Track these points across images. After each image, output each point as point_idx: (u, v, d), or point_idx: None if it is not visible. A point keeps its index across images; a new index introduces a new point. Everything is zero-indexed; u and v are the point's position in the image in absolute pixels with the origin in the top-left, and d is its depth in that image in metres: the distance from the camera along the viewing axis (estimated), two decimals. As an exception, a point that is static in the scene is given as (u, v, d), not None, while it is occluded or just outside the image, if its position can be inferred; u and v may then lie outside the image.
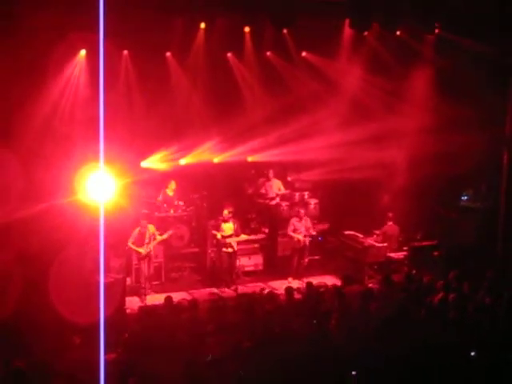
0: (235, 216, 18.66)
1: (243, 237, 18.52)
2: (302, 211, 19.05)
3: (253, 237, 18.98)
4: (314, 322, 12.93)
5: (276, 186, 20.65)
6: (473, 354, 11.36)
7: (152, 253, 17.57)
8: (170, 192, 19.51)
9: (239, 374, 10.48)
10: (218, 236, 18.18)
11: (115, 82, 17.96)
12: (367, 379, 10.55)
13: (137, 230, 17.38)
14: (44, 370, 10.74)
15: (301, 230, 18.80)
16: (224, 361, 10.93)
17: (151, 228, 17.53)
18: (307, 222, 18.96)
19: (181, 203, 19.49)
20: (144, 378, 10.33)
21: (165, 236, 17.79)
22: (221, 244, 18.22)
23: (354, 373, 10.55)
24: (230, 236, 18.23)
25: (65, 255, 14.21)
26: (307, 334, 12.17)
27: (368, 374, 10.55)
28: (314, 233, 19.19)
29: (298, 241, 18.69)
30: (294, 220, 18.93)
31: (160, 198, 19.36)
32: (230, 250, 18.24)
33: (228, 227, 18.23)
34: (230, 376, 10.56)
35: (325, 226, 19.76)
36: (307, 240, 18.83)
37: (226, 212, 18.26)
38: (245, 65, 20.06)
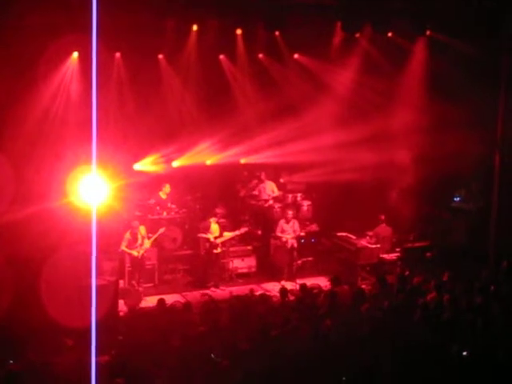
0: (226, 218, 18.72)
1: (227, 234, 18.54)
2: (290, 213, 19.10)
3: (236, 232, 18.92)
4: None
5: (270, 188, 20.67)
6: (464, 353, 11.38)
7: (145, 255, 17.57)
8: (163, 195, 19.48)
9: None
10: (211, 238, 18.21)
11: (107, 85, 17.94)
12: (361, 379, 10.56)
13: (128, 233, 17.37)
14: (37, 372, 10.72)
15: (288, 231, 18.86)
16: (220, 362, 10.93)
17: (142, 230, 17.52)
18: (295, 224, 19.00)
19: (173, 206, 19.46)
20: (136, 379, 10.32)
21: (156, 235, 17.78)
22: (213, 246, 18.25)
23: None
24: (218, 237, 18.31)
25: (57, 258, 14.19)
26: (302, 336, 12.16)
27: (362, 374, 10.56)
28: (303, 234, 19.23)
29: (286, 242, 18.73)
30: (281, 222, 19.04)
31: (152, 200, 19.33)
32: (218, 250, 18.31)
33: (216, 229, 18.32)
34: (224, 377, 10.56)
35: (313, 228, 19.72)
36: (295, 242, 18.86)
37: (218, 211, 18.48)
38: (237, 67, 20.07)
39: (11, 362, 11.35)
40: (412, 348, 11.20)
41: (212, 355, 11.02)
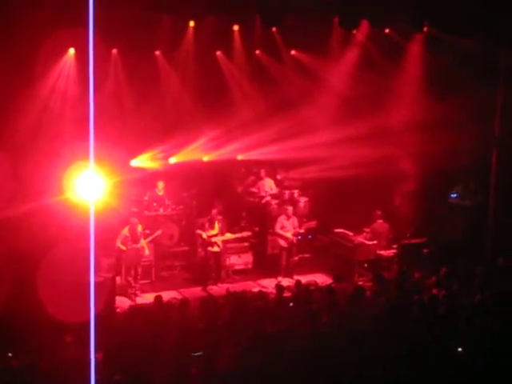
0: (222, 214, 18.68)
1: (228, 235, 18.50)
2: (290, 209, 19.04)
3: (238, 235, 18.89)
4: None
5: (268, 185, 20.68)
6: (460, 349, 11.41)
7: (139, 252, 17.45)
8: (159, 192, 19.44)
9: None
10: (204, 236, 18.15)
11: (104, 81, 17.91)
12: (359, 376, 10.56)
13: (126, 229, 17.31)
14: (36, 367, 10.72)
15: (289, 228, 18.82)
16: (214, 358, 10.92)
17: (139, 228, 17.45)
18: (295, 221, 18.97)
19: (169, 203, 19.41)
20: (133, 376, 10.32)
21: (152, 237, 17.71)
22: (206, 243, 18.20)
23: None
24: (216, 235, 18.22)
25: (54, 254, 14.18)
26: (298, 333, 12.16)
27: (360, 371, 10.56)
28: (302, 231, 19.19)
29: (287, 239, 18.71)
30: (281, 218, 18.93)
31: (147, 197, 19.29)
32: (216, 248, 18.23)
33: (213, 227, 18.25)
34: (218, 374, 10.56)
35: (312, 224, 19.70)
36: (295, 238, 18.85)
37: (214, 211, 18.30)
38: (234, 63, 20.09)
39: (10, 355, 11.37)
40: (409, 344, 11.21)
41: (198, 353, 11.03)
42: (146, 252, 17.63)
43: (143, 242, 17.41)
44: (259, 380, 10.22)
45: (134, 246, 17.23)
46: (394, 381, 10.52)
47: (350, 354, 10.88)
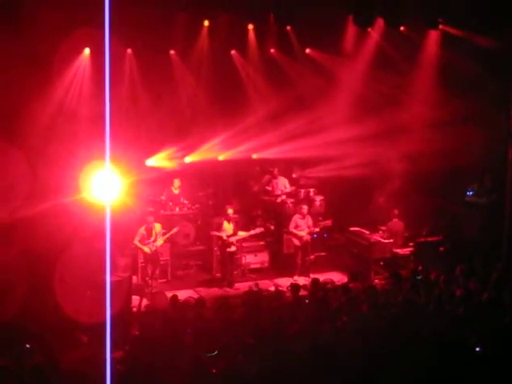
0: (239, 213, 18.66)
1: (241, 234, 18.47)
2: (305, 208, 19.01)
3: (251, 232, 18.79)
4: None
5: (282, 184, 20.66)
6: (478, 349, 11.35)
7: (158, 250, 17.50)
8: (175, 190, 19.50)
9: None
10: (224, 236, 18.12)
11: (119, 81, 17.98)
12: (375, 375, 10.53)
13: (143, 228, 17.34)
14: (53, 367, 10.76)
15: (303, 227, 18.79)
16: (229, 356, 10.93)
17: (157, 227, 17.48)
18: (309, 219, 18.94)
19: (185, 202, 19.46)
20: (150, 375, 10.34)
21: (169, 234, 17.72)
22: (225, 244, 18.19)
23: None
24: (232, 235, 18.21)
25: (70, 254, 14.23)
26: (313, 332, 12.14)
27: (376, 370, 10.53)
28: (317, 229, 19.15)
29: (301, 238, 18.69)
30: (296, 217, 18.91)
31: (164, 196, 19.34)
32: (233, 248, 18.23)
33: (229, 227, 18.21)
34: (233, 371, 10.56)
35: (328, 223, 19.64)
36: (309, 237, 18.82)
37: (230, 211, 18.25)
38: (249, 62, 20.12)
39: (28, 346, 11.41)
40: (425, 344, 11.17)
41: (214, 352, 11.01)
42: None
43: (159, 242, 17.40)
44: (274, 379, 10.22)
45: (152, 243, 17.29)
46: (410, 380, 10.49)
47: (364, 353, 10.85)
